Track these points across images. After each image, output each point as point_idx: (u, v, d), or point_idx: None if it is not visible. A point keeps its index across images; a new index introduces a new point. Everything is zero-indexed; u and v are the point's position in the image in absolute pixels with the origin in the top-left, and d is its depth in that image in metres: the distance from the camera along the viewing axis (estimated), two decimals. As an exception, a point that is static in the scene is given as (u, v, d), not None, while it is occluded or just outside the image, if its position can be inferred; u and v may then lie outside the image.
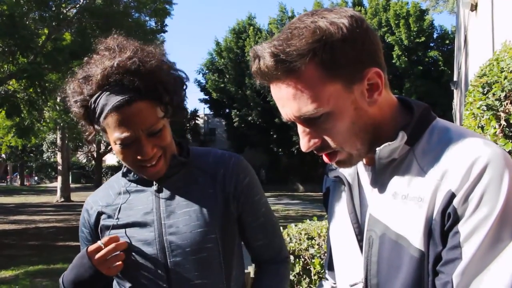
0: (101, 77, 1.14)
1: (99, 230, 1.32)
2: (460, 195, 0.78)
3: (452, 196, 0.78)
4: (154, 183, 1.28)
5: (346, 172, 1.00)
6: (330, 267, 1.18)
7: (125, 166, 1.30)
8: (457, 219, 0.78)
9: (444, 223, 0.79)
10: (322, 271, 3.23)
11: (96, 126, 1.21)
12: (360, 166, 0.98)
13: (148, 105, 1.15)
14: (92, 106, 1.16)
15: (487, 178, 0.77)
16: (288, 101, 0.85)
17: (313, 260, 3.25)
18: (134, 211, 1.27)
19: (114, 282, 1.33)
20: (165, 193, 1.27)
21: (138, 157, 1.18)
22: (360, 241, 0.94)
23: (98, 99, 1.15)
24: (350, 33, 0.82)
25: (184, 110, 1.28)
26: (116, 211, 1.29)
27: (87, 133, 1.26)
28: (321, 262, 3.24)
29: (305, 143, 0.89)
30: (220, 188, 1.29)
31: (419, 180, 0.84)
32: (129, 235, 1.25)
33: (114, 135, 1.15)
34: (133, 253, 1.24)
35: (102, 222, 1.31)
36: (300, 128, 0.89)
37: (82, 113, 1.19)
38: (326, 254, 1.20)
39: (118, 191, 1.32)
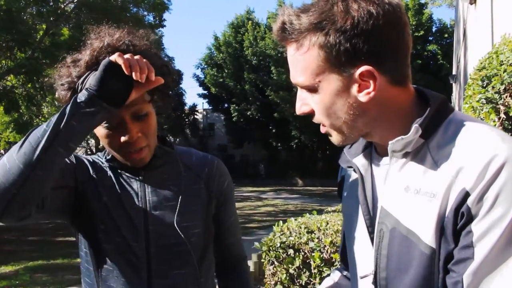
0: (90, 57, 1.14)
1: (87, 195, 1.23)
2: (475, 195, 0.76)
3: (466, 195, 0.76)
4: (141, 172, 1.27)
5: (359, 163, 0.99)
6: (343, 259, 1.19)
7: (109, 154, 1.28)
8: (470, 218, 0.76)
9: (457, 222, 0.78)
10: (322, 265, 3.24)
11: None
12: (374, 158, 0.98)
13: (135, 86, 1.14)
14: (79, 87, 1.14)
15: (504, 178, 0.74)
16: (290, 64, 0.91)
17: (312, 254, 3.26)
18: (121, 197, 1.24)
19: (87, 270, 1.28)
20: (151, 184, 1.27)
21: (123, 140, 1.17)
22: (371, 233, 0.93)
23: (86, 79, 1.13)
24: (354, 27, 0.80)
25: (170, 98, 1.28)
26: (105, 190, 1.25)
27: None
28: (321, 255, 3.25)
29: (298, 107, 0.94)
30: (205, 185, 1.33)
31: (432, 175, 0.82)
32: (112, 224, 1.22)
33: None
34: (116, 240, 1.21)
35: (90, 189, 1.24)
36: (298, 91, 0.93)
37: (68, 97, 1.18)
38: (340, 245, 1.20)
39: (104, 172, 1.28)
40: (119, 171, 1.28)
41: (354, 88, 0.85)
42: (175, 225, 1.22)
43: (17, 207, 1.02)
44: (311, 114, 0.93)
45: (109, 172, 1.28)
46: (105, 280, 1.23)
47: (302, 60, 0.87)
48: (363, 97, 0.85)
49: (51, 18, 13.51)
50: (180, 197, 1.26)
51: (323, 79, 0.86)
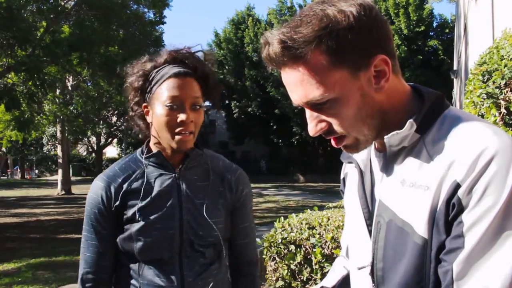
0: (169, 55, 1.43)
1: (125, 208, 1.44)
2: (465, 186, 0.78)
3: (457, 186, 0.78)
4: (176, 170, 1.47)
5: (359, 158, 1.01)
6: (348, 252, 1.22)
7: (148, 150, 1.49)
8: (461, 209, 0.78)
9: (448, 213, 0.80)
10: (323, 260, 3.24)
11: (145, 97, 1.45)
12: (373, 153, 1.00)
13: (197, 84, 1.43)
14: (152, 75, 1.42)
15: (493, 169, 0.76)
16: (296, 86, 0.88)
17: (314, 250, 3.27)
18: (157, 192, 1.44)
19: (123, 261, 1.46)
20: (185, 181, 1.47)
21: (179, 119, 1.38)
22: (369, 225, 0.96)
23: (161, 70, 1.42)
24: (357, 21, 0.83)
25: (218, 96, 1.53)
26: (141, 190, 1.44)
27: (130, 99, 1.50)
28: (322, 251, 3.25)
29: (312, 127, 0.91)
30: (228, 189, 1.53)
31: (427, 168, 0.85)
32: (152, 213, 1.41)
33: (167, 95, 1.38)
34: (154, 230, 1.40)
35: (127, 202, 1.44)
36: (308, 113, 0.91)
37: (139, 84, 1.44)
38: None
39: (140, 171, 1.47)
40: (156, 168, 1.47)
41: (372, 82, 0.87)
42: (204, 218, 1.43)
43: None
44: (327, 132, 0.90)
45: (146, 169, 1.47)
46: (143, 257, 1.42)
47: (315, 74, 0.85)
48: (380, 89, 0.87)
49: (51, 16, 13.51)
50: (208, 196, 1.47)
51: (342, 84, 0.85)
